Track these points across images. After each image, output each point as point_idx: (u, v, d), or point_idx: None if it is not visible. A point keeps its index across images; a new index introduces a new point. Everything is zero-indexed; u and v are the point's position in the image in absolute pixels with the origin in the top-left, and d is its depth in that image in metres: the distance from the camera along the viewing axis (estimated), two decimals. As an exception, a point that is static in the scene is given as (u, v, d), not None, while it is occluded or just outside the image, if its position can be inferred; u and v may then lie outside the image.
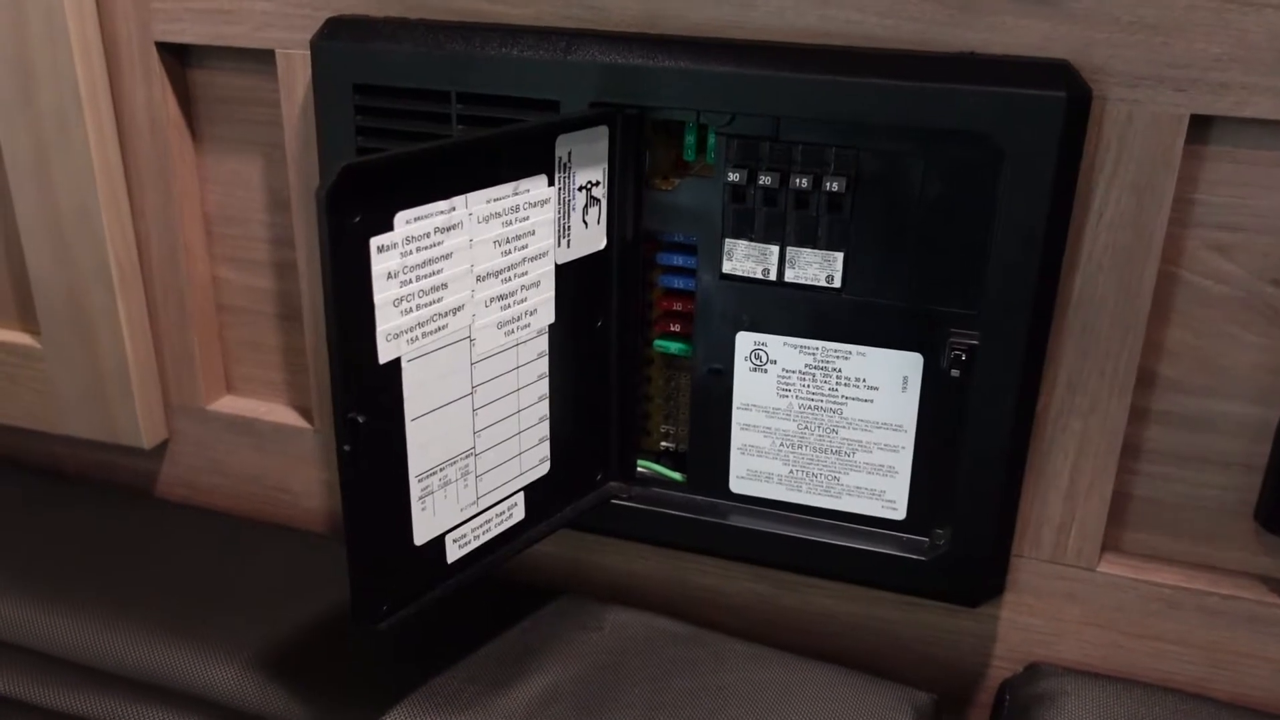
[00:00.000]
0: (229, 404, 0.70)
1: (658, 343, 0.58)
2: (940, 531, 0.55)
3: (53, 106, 0.62)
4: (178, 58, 0.63)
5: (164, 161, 0.64)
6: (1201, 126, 0.47)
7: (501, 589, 0.61)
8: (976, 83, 0.47)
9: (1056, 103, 0.46)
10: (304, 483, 0.69)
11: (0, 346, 0.71)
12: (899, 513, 0.56)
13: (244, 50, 0.60)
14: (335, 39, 0.55)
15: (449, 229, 0.46)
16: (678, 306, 0.57)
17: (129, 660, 0.57)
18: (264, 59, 0.60)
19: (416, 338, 0.46)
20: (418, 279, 0.46)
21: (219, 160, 0.65)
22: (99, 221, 0.64)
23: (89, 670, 0.56)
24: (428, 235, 0.45)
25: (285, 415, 0.69)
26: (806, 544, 0.57)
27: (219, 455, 0.71)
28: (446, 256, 0.47)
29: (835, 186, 0.51)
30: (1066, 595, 0.56)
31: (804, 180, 0.51)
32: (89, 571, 0.63)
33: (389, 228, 0.44)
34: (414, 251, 0.45)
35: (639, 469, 0.60)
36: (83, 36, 0.61)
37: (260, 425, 0.69)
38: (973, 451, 0.52)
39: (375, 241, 0.43)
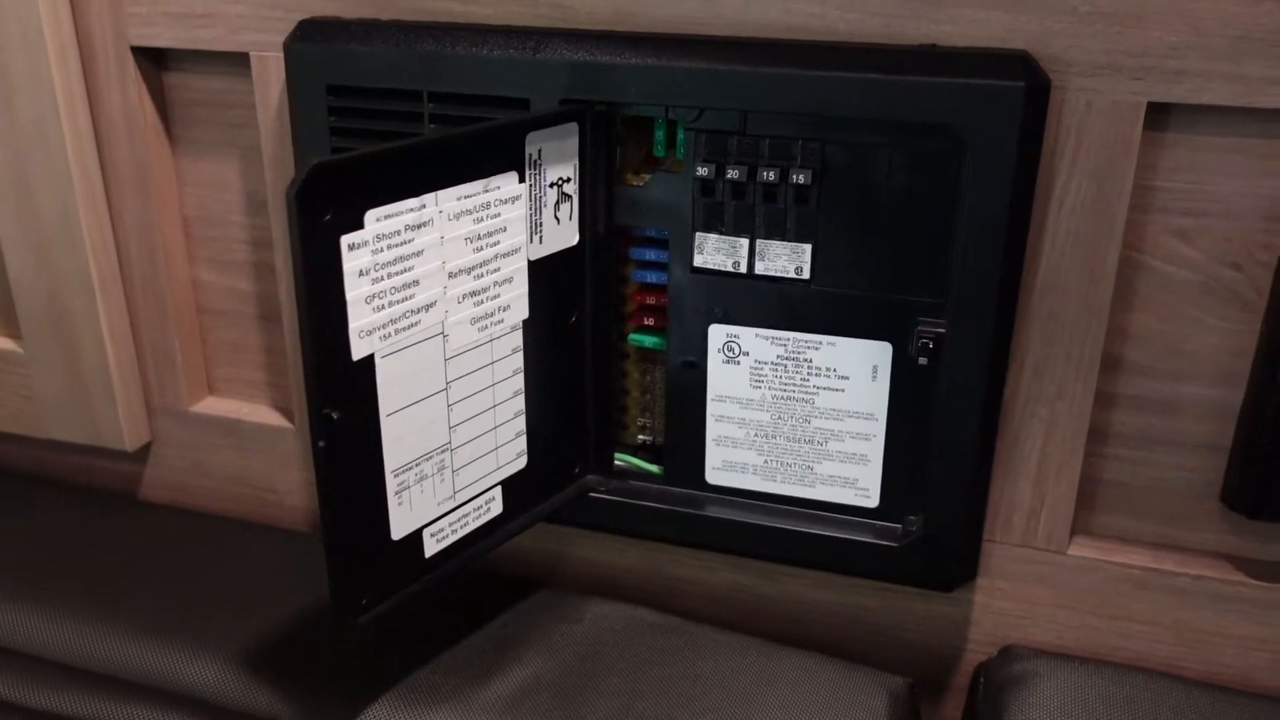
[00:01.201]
0: (211, 405, 0.71)
1: (632, 336, 0.58)
2: (913, 518, 0.56)
3: (30, 113, 0.62)
4: (153, 62, 0.63)
5: (142, 165, 0.64)
6: (1159, 114, 0.48)
7: (481, 582, 0.62)
8: (938, 75, 0.48)
9: (1016, 93, 0.47)
10: (287, 482, 0.70)
11: (-18, 352, 0.71)
12: (872, 500, 0.57)
13: (219, 54, 0.61)
14: (308, 41, 0.56)
15: (420, 226, 0.47)
16: (651, 300, 0.58)
17: (113, 660, 0.57)
18: (239, 62, 0.60)
19: (389, 334, 0.47)
20: (389, 276, 0.46)
21: (197, 163, 0.65)
22: (78, 226, 0.65)
23: (73, 670, 0.57)
24: (398, 233, 0.46)
25: (267, 415, 0.70)
26: (782, 533, 0.57)
27: (202, 456, 0.71)
28: (418, 254, 0.47)
29: (802, 179, 0.52)
30: (1038, 578, 0.56)
31: (771, 173, 0.52)
32: (73, 573, 0.64)
33: (359, 225, 0.44)
34: (385, 249, 0.46)
35: (616, 462, 0.61)
36: (59, 42, 0.61)
37: (243, 426, 0.69)
38: (943, 438, 0.53)
39: (346, 239, 0.44)
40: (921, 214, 0.51)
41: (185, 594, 0.62)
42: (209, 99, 0.63)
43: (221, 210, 0.66)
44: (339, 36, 0.56)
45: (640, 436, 0.61)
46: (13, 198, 0.65)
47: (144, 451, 0.73)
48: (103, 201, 0.65)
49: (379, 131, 0.56)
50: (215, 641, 0.58)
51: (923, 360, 0.52)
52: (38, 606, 0.60)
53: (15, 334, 0.70)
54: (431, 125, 0.55)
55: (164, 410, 0.71)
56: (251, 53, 0.59)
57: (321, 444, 0.45)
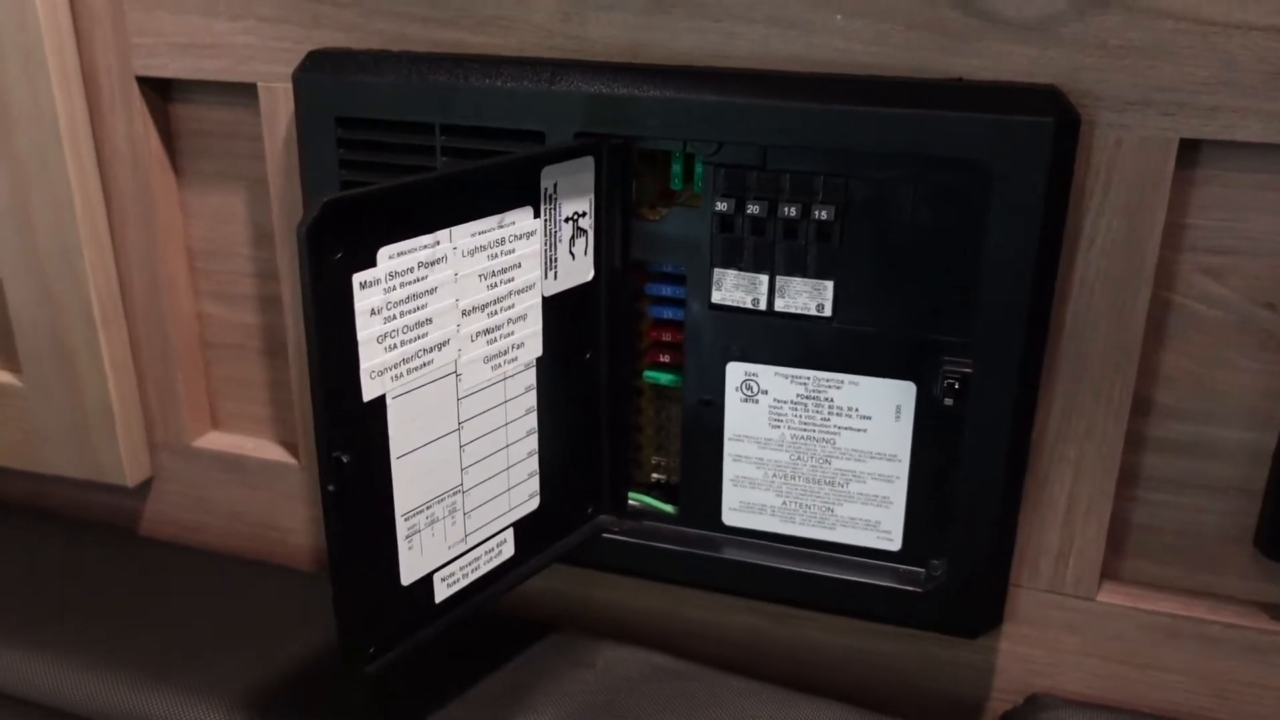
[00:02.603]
0: (214, 440, 0.69)
1: (648, 374, 0.57)
2: (936, 562, 0.54)
3: (32, 143, 0.61)
4: (159, 92, 0.62)
5: (146, 197, 0.63)
6: (1191, 150, 0.47)
7: (492, 626, 0.60)
8: (965, 109, 0.47)
9: (1045, 128, 0.46)
10: (291, 519, 0.68)
11: (-19, 385, 0.70)
12: (894, 543, 0.55)
13: (226, 84, 0.60)
14: (317, 72, 0.55)
15: (433, 263, 0.46)
16: (667, 337, 0.56)
17: (113, 704, 0.56)
18: (246, 93, 0.59)
19: (401, 374, 0.46)
20: (401, 314, 0.45)
21: (202, 195, 0.64)
22: (80, 259, 0.63)
23: (71, 716, 0.55)
24: (411, 270, 0.45)
25: (271, 451, 0.68)
26: (801, 576, 0.56)
27: (204, 492, 0.70)
28: (431, 291, 0.46)
29: (824, 215, 0.50)
30: (1066, 625, 0.55)
31: (792, 209, 0.51)
32: (72, 613, 0.62)
33: (372, 263, 0.43)
34: (397, 287, 0.44)
35: (630, 502, 0.59)
36: (62, 72, 0.60)
37: (246, 462, 0.68)
38: (968, 481, 0.52)
39: (358, 278, 0.42)
40: (947, 251, 0.50)
41: (187, 634, 0.60)
42: (215, 130, 0.62)
43: (226, 243, 0.65)
44: (349, 68, 0.55)
45: (654, 475, 0.60)
46: (14, 229, 0.64)
47: (145, 487, 0.71)
48: (105, 233, 0.64)
49: (389, 164, 0.54)
50: (218, 685, 0.56)
51: (948, 400, 0.51)
52: (34, 648, 0.59)
53: (15, 367, 0.69)
54: (443, 158, 0.54)
55: (166, 445, 0.69)
56: (259, 84, 0.58)
57: (331, 488, 0.43)
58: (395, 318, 0.44)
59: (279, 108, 0.58)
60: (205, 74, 0.59)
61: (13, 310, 0.66)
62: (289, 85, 0.56)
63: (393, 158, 0.54)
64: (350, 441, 0.44)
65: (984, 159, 0.47)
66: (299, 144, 0.56)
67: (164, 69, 0.60)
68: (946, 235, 0.50)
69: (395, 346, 0.45)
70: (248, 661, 0.58)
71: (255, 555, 0.69)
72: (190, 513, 0.71)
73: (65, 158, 0.61)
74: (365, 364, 0.44)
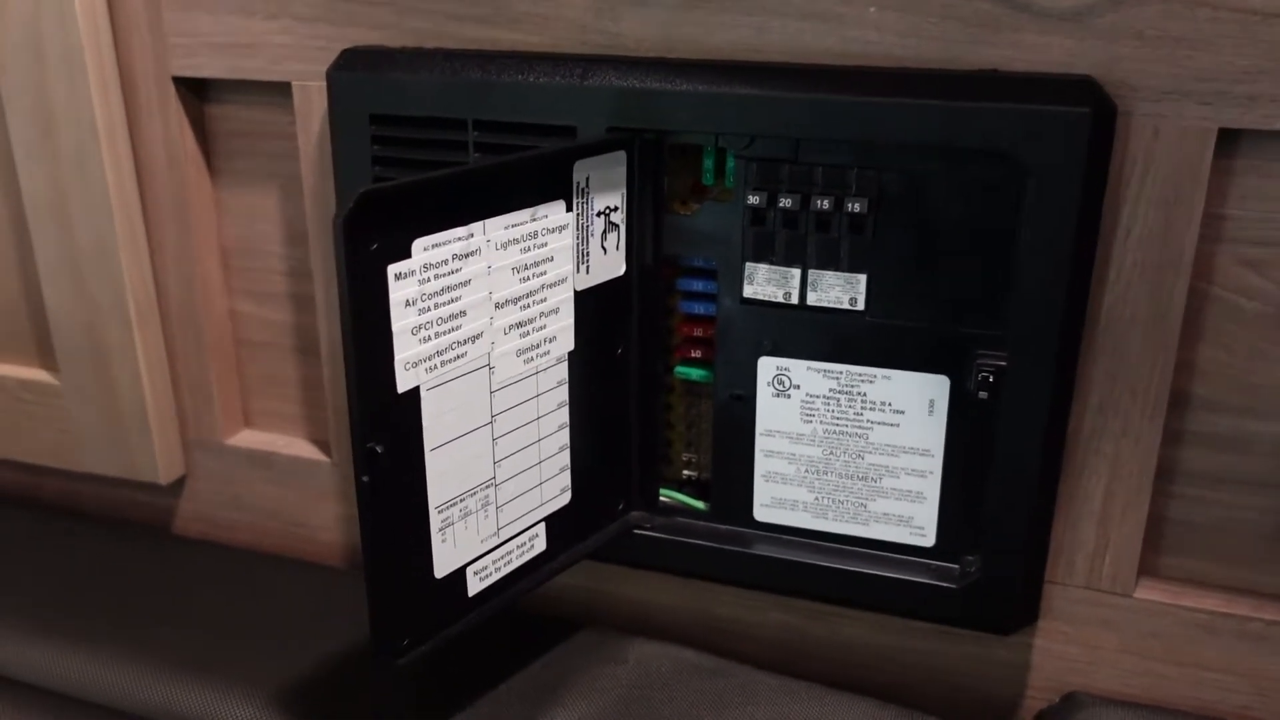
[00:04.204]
0: (247, 438, 0.70)
1: (678, 369, 0.57)
2: (971, 558, 0.54)
3: (71, 144, 0.62)
4: (195, 92, 0.63)
5: (181, 196, 0.64)
6: (1230, 140, 0.47)
7: (521, 622, 0.60)
8: (999, 100, 0.46)
9: (1081, 119, 0.45)
10: (322, 517, 0.68)
11: (19, 384, 0.71)
12: (928, 539, 0.55)
13: (261, 83, 0.60)
14: (351, 70, 0.55)
15: (467, 255, 0.46)
16: (698, 332, 0.56)
17: (147, 700, 0.56)
18: (280, 91, 0.60)
19: (435, 366, 0.46)
20: (436, 306, 0.45)
21: (236, 194, 0.65)
22: (116, 258, 0.64)
23: (107, 710, 0.55)
24: (445, 262, 0.45)
25: (303, 449, 0.68)
26: (833, 573, 0.56)
27: (237, 490, 0.70)
28: (465, 283, 0.46)
29: (857, 208, 0.50)
30: (1102, 622, 0.54)
31: (825, 202, 0.51)
32: (106, 611, 0.62)
33: (407, 255, 0.43)
34: (432, 279, 0.44)
35: (661, 498, 0.59)
36: (100, 73, 0.61)
37: (278, 459, 0.68)
38: (1003, 475, 0.51)
39: (393, 269, 0.43)
40: (981, 243, 0.49)
41: (219, 632, 0.61)
42: (249, 129, 0.63)
43: (260, 241, 0.65)
44: (383, 65, 0.55)
45: (685, 472, 0.60)
46: (52, 228, 0.65)
47: (179, 485, 0.72)
48: (141, 232, 0.65)
49: (422, 161, 0.55)
50: (250, 681, 0.56)
51: (982, 394, 0.51)
52: (69, 644, 0.59)
53: (52, 366, 0.70)
54: (476, 154, 0.54)
55: (199, 443, 0.70)
56: (294, 82, 0.59)
57: (366, 479, 0.44)
58: (429, 309, 0.45)
59: (313, 106, 0.59)
60: (241, 73, 0.60)
61: (50, 310, 0.67)
62: (323, 84, 0.56)
63: (426, 154, 0.55)
64: (385, 433, 0.44)
65: (1019, 151, 0.46)
66: (332, 141, 0.56)
67: (201, 69, 0.61)
68: (981, 227, 0.49)
69: (429, 338, 0.45)
70: (280, 658, 0.58)
71: (287, 553, 0.70)
72: (223, 510, 0.71)
73: (103, 158, 0.62)
74: (400, 355, 0.44)
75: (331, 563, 0.69)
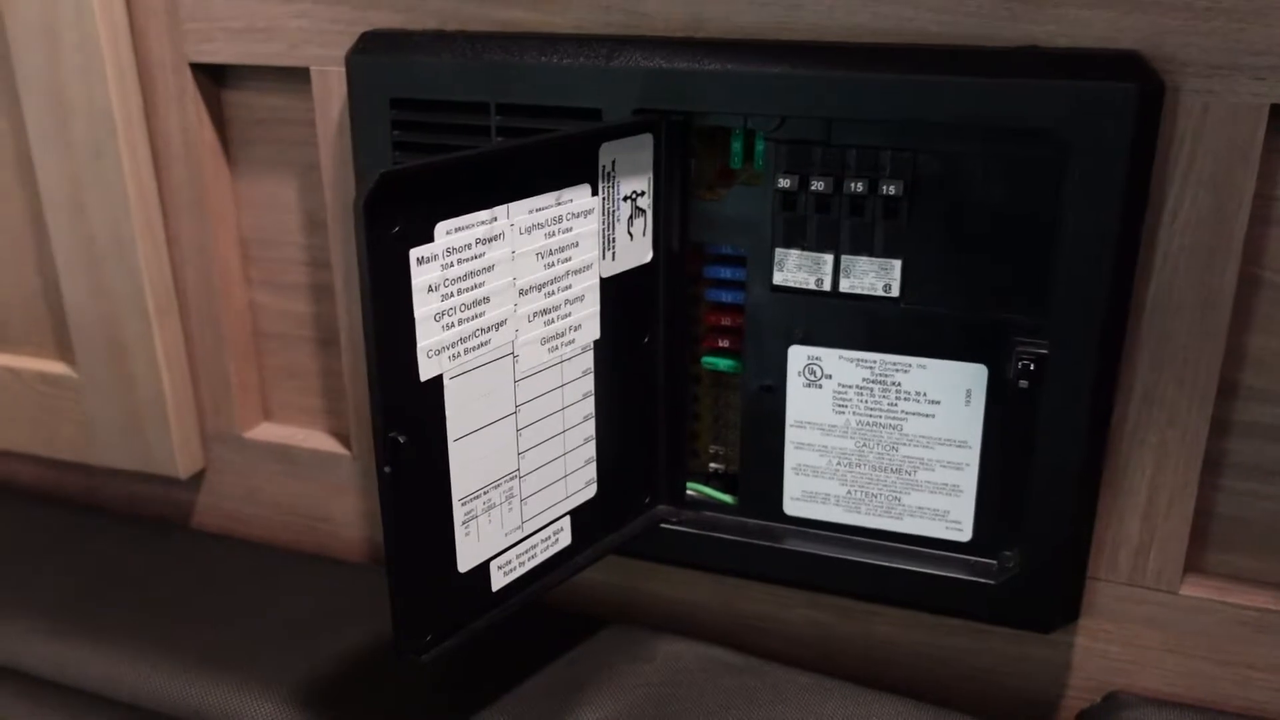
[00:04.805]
0: (266, 431, 0.69)
1: (706, 359, 0.56)
2: (1009, 554, 0.52)
3: (87, 133, 0.61)
4: (212, 79, 0.62)
5: (199, 186, 0.63)
6: (1283, 118, 0.45)
7: (546, 618, 0.59)
8: (1041, 76, 0.45)
9: (1127, 95, 0.44)
10: (342, 511, 0.67)
11: (38, 376, 0.70)
12: (965, 534, 0.53)
13: (278, 69, 0.59)
14: (370, 54, 0.54)
15: (490, 240, 0.44)
16: (726, 321, 0.55)
17: (166, 695, 0.55)
18: (299, 77, 0.59)
19: (458, 354, 0.44)
20: (459, 292, 0.44)
21: (254, 183, 0.64)
22: (134, 250, 0.63)
23: (125, 707, 0.54)
24: (469, 246, 0.44)
25: (323, 442, 0.67)
26: (866, 568, 0.54)
27: (257, 484, 0.69)
28: (488, 269, 0.45)
29: (892, 190, 0.49)
30: (1146, 620, 0.52)
31: (858, 185, 0.49)
32: (124, 607, 0.62)
33: (429, 239, 0.42)
34: (455, 264, 0.43)
35: (688, 491, 0.58)
36: (116, 60, 0.60)
37: (298, 452, 0.67)
38: (1043, 468, 0.49)
39: (415, 253, 0.41)
40: (1021, 227, 0.48)
41: (239, 627, 0.59)
42: (267, 117, 0.62)
43: (279, 231, 0.64)
44: (402, 48, 0.54)
45: (712, 465, 0.58)
46: (68, 219, 0.64)
47: (197, 479, 0.71)
48: (159, 223, 0.64)
49: (444, 146, 0.53)
50: (270, 677, 0.55)
51: (1022, 384, 0.49)
52: (87, 641, 0.58)
53: (71, 358, 0.69)
54: (498, 139, 0.52)
55: (218, 437, 0.69)
56: (312, 67, 0.58)
57: (388, 469, 0.42)
58: (452, 295, 0.43)
59: (332, 92, 0.57)
60: (258, 59, 0.59)
61: (67, 302, 0.66)
62: (342, 69, 0.55)
63: (447, 139, 0.53)
64: (407, 422, 0.43)
65: (1061, 129, 0.45)
66: (352, 126, 0.55)
67: (217, 54, 0.59)
68: (1021, 210, 0.48)
69: (452, 325, 0.44)
70: (300, 654, 0.57)
71: (307, 548, 0.69)
72: (242, 505, 0.70)
73: (120, 148, 0.61)
74: (422, 342, 0.43)
75: (353, 558, 0.68)
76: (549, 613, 0.59)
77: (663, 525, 0.57)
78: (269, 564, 0.66)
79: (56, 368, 0.70)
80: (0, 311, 0.71)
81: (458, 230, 0.43)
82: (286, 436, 0.68)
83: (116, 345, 0.66)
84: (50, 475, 0.75)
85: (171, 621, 0.60)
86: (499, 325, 0.46)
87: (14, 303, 0.70)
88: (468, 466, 0.46)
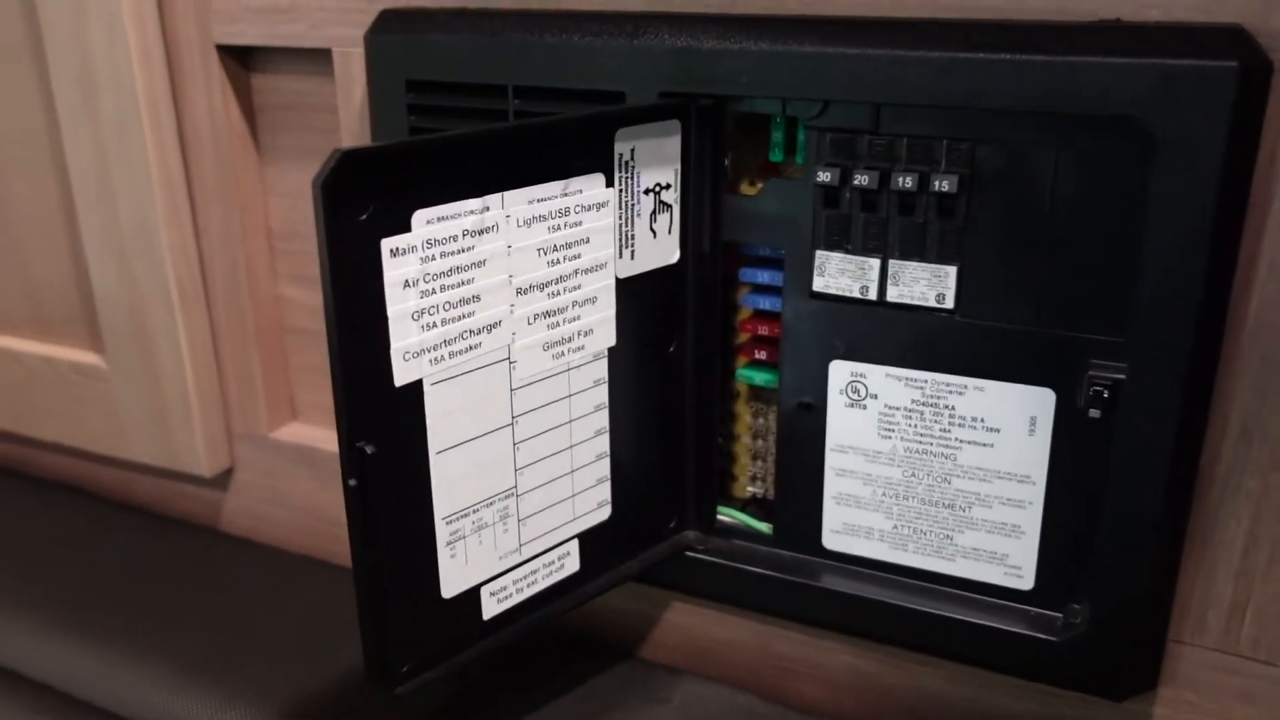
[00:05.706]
0: (293, 432, 0.66)
1: (741, 371, 0.50)
2: (1077, 607, 0.45)
3: (113, 116, 0.59)
4: (240, 62, 0.59)
5: (227, 173, 0.60)
6: None
7: (555, 646, 0.54)
8: (1123, 54, 0.38)
9: (1226, 75, 0.37)
10: (365, 519, 0.64)
11: (70, 365, 0.69)
12: (1025, 582, 0.46)
13: (303, 51, 0.56)
14: (388, 33, 0.51)
15: (482, 232, 0.40)
16: (764, 330, 0.49)
17: (150, 705, 0.52)
18: (323, 59, 0.55)
19: (442, 357, 0.40)
20: (443, 289, 0.39)
21: (282, 171, 0.61)
22: (159, 237, 0.61)
23: (104, 714, 0.52)
24: (455, 238, 0.39)
25: (347, 445, 0.64)
26: (912, 614, 0.48)
27: (281, 486, 0.66)
28: (479, 264, 0.40)
29: (947, 186, 0.43)
30: (1240, 694, 0.45)
31: (909, 179, 0.43)
32: (127, 609, 0.59)
33: (405, 228, 0.38)
34: (437, 257, 0.39)
35: (720, 517, 0.53)
36: (143, 41, 0.58)
37: (320, 455, 0.64)
38: (1118, 511, 0.43)
39: (387, 243, 0.37)
40: (1097, 230, 0.41)
41: (240, 636, 0.57)
42: (294, 101, 0.59)
43: (306, 222, 0.61)
44: (421, 27, 0.50)
45: (750, 489, 0.53)
46: (96, 206, 0.62)
47: (225, 478, 0.68)
48: (186, 211, 0.62)
49: (460, 131, 0.49)
50: (261, 692, 0.52)
51: (1094, 412, 0.42)
52: (78, 643, 0.56)
53: (101, 349, 0.67)
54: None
55: (245, 436, 0.66)
56: (334, 49, 0.54)
57: (353, 483, 0.38)
58: (434, 292, 0.39)
59: (353, 74, 0.54)
60: (282, 39, 0.56)
61: (96, 289, 0.64)
62: (363, 50, 0.52)
63: (464, 123, 0.49)
64: (378, 430, 0.39)
65: (1146, 115, 0.38)
66: (370, 109, 0.52)
67: (243, 35, 0.57)
68: (1096, 210, 0.41)
69: (434, 325, 0.39)
70: (297, 668, 0.54)
71: (327, 555, 0.65)
72: (268, 507, 0.68)
73: (145, 132, 0.59)
74: (397, 344, 0.38)
75: (374, 569, 0.64)
76: (558, 643, 0.55)
77: (688, 553, 0.52)
78: (284, 571, 0.63)
79: (88, 358, 0.68)
80: (37, 297, 0.70)
81: (440, 220, 0.39)
82: (312, 438, 0.65)
83: (143, 335, 0.64)
84: (86, 470, 0.74)
85: (172, 626, 0.58)
86: (492, 327, 0.41)
87: (50, 289, 0.69)
88: (454, 482, 0.42)
